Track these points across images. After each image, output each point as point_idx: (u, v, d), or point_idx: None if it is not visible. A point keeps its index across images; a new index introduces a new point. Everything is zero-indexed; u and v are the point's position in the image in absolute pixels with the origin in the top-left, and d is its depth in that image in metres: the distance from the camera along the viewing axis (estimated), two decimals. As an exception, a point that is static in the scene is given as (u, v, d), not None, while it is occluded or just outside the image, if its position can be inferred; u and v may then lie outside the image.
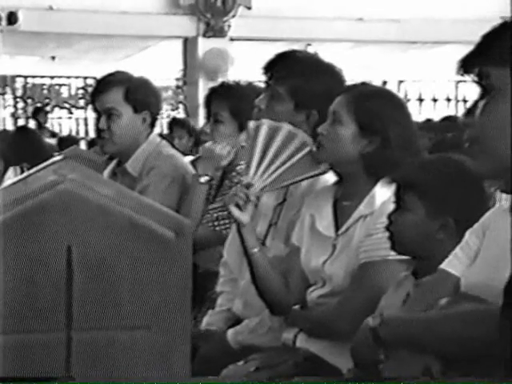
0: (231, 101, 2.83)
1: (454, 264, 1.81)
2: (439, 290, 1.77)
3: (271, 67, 2.48)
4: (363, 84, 2.32)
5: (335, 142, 2.22)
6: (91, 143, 8.27)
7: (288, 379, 2.14)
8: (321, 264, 2.23)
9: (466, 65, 1.37)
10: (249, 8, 8.31)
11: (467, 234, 1.83)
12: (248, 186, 2.28)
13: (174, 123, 7.18)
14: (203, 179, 2.84)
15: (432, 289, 1.81)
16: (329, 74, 2.45)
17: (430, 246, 1.92)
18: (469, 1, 7.11)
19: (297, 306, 2.26)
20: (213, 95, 2.96)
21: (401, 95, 10.84)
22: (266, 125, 2.33)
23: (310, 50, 2.21)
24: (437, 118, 7.50)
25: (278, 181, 2.32)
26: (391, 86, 10.88)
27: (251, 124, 2.35)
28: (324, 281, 2.23)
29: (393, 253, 2.07)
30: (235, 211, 2.24)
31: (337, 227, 2.25)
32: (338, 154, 2.22)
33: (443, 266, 1.82)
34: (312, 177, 2.35)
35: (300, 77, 2.42)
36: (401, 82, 11.03)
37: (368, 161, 2.20)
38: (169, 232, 1.13)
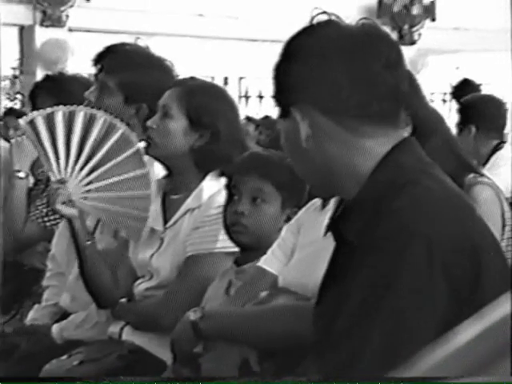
0: (57, 95, 2.76)
1: (271, 261, 1.86)
2: (257, 287, 1.82)
3: (100, 60, 2.46)
4: (192, 78, 2.34)
5: (165, 136, 2.22)
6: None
7: (113, 372, 2.15)
8: (148, 257, 2.24)
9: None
10: (87, -1, 8.19)
11: (284, 230, 1.89)
12: (62, 181, 2.23)
13: (8, 113, 6.97)
14: (21, 174, 2.79)
15: (251, 285, 1.85)
16: (159, 67, 2.46)
17: (275, 238, 1.93)
18: (304, 3, 7.31)
19: (124, 299, 2.26)
20: (37, 90, 2.90)
21: (242, 91, 10.99)
22: (81, 112, 2.29)
23: (141, 42, 2.21)
24: (275, 115, 7.64)
25: (100, 178, 2.27)
26: (232, 82, 11.00)
27: (60, 112, 2.29)
28: (151, 274, 2.24)
29: (219, 245, 2.11)
30: (62, 208, 2.21)
31: (165, 221, 2.27)
32: (168, 148, 2.23)
33: (261, 263, 1.87)
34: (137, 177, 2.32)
35: (130, 70, 2.41)
36: (241, 78, 11.16)
37: (198, 155, 2.22)
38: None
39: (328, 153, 1.32)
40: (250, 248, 1.97)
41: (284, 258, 1.85)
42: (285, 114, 1.36)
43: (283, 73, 1.36)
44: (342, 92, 1.31)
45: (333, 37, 1.34)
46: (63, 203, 2.21)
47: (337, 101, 1.31)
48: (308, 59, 1.33)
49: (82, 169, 2.26)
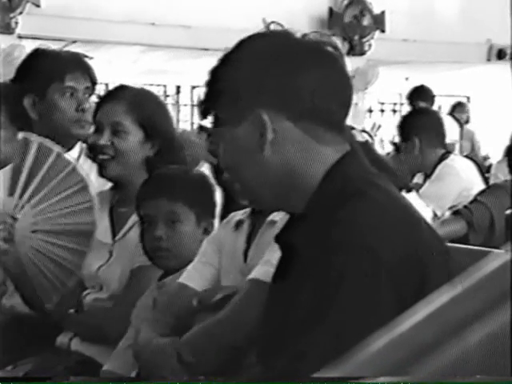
0: (7, 104, 2.74)
1: (193, 278, 1.83)
2: (178, 303, 1.80)
3: None
4: (125, 87, 2.29)
5: (124, 153, 2.19)
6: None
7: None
8: (96, 269, 2.23)
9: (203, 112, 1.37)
10: (37, 5, 8.08)
11: (204, 245, 1.87)
12: (13, 216, 2.19)
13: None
14: None
15: (173, 301, 1.83)
16: None
17: (197, 253, 1.92)
18: (256, 12, 7.33)
19: (72, 310, 2.25)
20: None
21: (195, 100, 10.97)
22: (35, 143, 2.23)
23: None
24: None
25: (50, 222, 2.22)
26: (184, 91, 10.99)
27: (19, 135, 2.26)
28: (100, 285, 2.23)
29: None
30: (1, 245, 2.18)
31: (114, 233, 2.25)
32: (127, 165, 2.21)
33: (182, 279, 1.84)
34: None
35: None
36: (194, 87, 11.16)
37: (152, 164, 2.21)
38: None
39: (289, 160, 1.29)
40: (177, 270, 1.93)
41: (209, 276, 1.82)
42: (239, 119, 1.31)
43: (245, 75, 1.31)
44: (311, 98, 1.29)
45: (301, 43, 1.34)
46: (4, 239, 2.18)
47: (304, 107, 1.29)
48: (275, 63, 1.31)
49: (34, 207, 2.21)
